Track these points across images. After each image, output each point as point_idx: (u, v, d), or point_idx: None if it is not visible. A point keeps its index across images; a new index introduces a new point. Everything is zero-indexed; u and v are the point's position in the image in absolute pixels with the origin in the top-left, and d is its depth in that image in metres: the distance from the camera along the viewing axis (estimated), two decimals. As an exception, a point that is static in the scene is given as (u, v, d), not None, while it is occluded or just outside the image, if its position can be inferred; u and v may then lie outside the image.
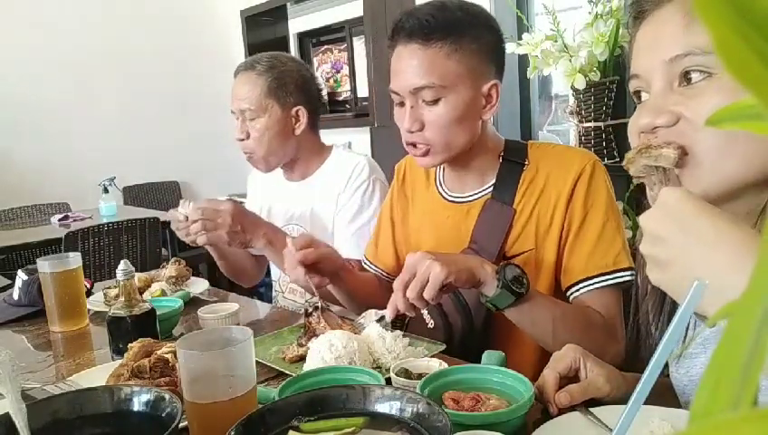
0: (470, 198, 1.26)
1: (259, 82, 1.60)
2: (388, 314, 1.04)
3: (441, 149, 1.17)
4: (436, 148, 1.17)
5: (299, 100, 1.63)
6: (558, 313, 1.06)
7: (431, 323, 1.05)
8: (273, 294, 1.79)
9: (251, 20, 4.68)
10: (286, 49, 4.61)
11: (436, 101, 1.14)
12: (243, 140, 1.62)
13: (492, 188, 1.23)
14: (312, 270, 1.22)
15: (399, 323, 1.21)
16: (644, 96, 0.73)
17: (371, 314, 1.14)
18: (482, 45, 1.15)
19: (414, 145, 1.19)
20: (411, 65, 1.14)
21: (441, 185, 1.32)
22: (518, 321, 1.06)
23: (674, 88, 0.68)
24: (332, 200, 1.63)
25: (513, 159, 1.23)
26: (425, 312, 1.03)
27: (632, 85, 0.75)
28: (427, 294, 0.98)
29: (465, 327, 1.18)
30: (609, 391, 0.84)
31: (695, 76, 0.66)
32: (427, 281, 0.98)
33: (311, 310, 1.16)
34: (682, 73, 0.67)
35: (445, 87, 1.13)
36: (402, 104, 1.18)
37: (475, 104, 1.16)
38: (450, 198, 1.29)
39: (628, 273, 1.13)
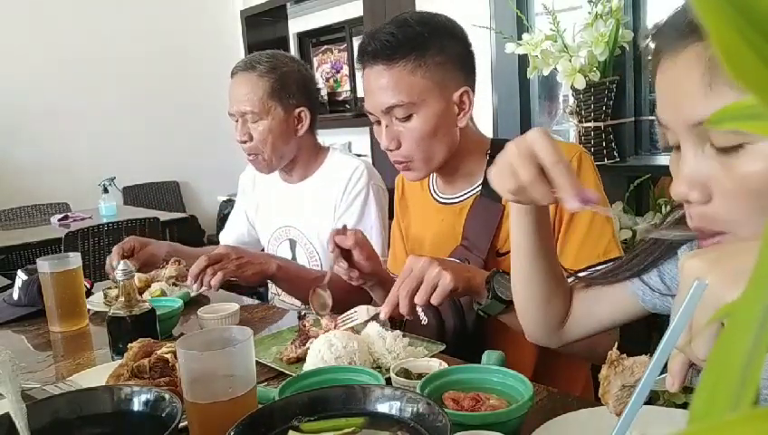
0: (460, 199, 1.28)
1: (260, 83, 1.57)
2: (384, 313, 1.06)
3: (422, 164, 1.21)
4: (416, 163, 1.21)
5: (301, 101, 1.62)
6: None
7: (425, 321, 1.07)
8: (270, 295, 1.79)
9: (251, 20, 4.68)
10: (286, 49, 4.61)
11: (408, 118, 1.17)
12: (245, 142, 1.62)
13: (480, 187, 1.25)
14: (346, 259, 1.23)
15: (399, 322, 1.22)
16: (671, 140, 0.67)
17: (363, 311, 1.14)
18: (447, 55, 1.17)
19: (397, 162, 1.23)
20: (379, 86, 1.17)
21: (434, 188, 1.35)
22: (508, 323, 1.08)
23: (705, 151, 0.62)
24: (329, 208, 1.62)
25: None
26: (419, 308, 1.04)
27: (661, 129, 0.68)
28: (435, 301, 1.01)
29: (458, 326, 1.19)
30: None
31: (723, 147, 0.60)
32: (435, 287, 1.00)
33: (304, 312, 1.17)
34: (710, 140, 0.61)
35: (414, 103, 1.16)
36: (379, 122, 1.21)
37: (447, 114, 1.18)
38: (442, 201, 1.32)
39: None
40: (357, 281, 1.26)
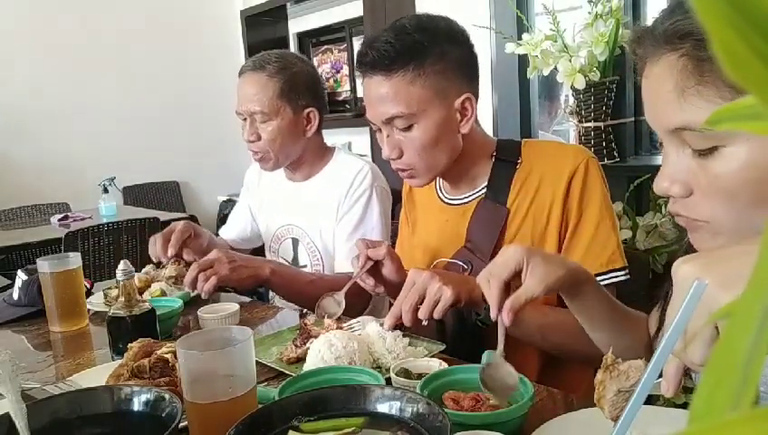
0: (466, 200, 1.28)
1: (270, 84, 1.56)
2: (387, 325, 1.06)
3: (424, 172, 1.20)
4: (419, 170, 1.20)
5: (310, 101, 1.61)
6: (545, 322, 1.09)
7: (425, 321, 1.07)
8: (270, 295, 1.79)
9: (251, 20, 4.68)
10: (286, 49, 4.61)
11: (409, 128, 1.16)
12: (252, 141, 1.61)
13: (485, 189, 1.24)
14: (372, 274, 1.21)
15: (399, 323, 1.22)
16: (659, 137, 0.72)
17: (366, 323, 1.15)
18: (448, 62, 1.15)
19: (400, 170, 1.22)
20: (378, 96, 1.15)
21: (440, 188, 1.34)
22: (508, 332, 1.08)
23: (685, 152, 0.66)
24: (333, 207, 1.62)
25: (506, 159, 1.24)
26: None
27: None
28: (437, 315, 1.01)
29: (457, 326, 1.19)
30: (542, 291, 0.86)
31: (699, 149, 0.64)
32: (437, 302, 1.01)
33: (305, 311, 1.17)
34: (687, 143, 0.66)
35: (414, 114, 1.14)
36: (380, 130, 1.20)
37: (449, 122, 1.17)
38: (448, 201, 1.31)
39: (622, 272, 1.14)
40: (382, 294, 1.25)
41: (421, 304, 1.02)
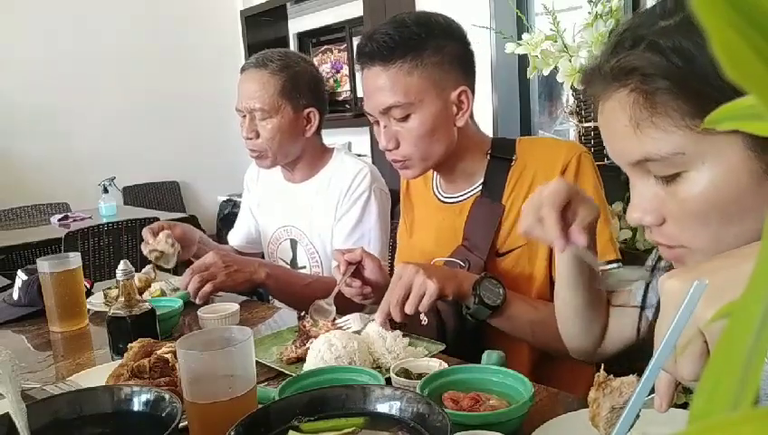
0: (461, 198, 1.29)
1: (272, 81, 1.56)
2: (378, 321, 1.07)
3: (419, 162, 1.22)
4: (413, 161, 1.22)
5: (311, 101, 1.61)
6: (536, 317, 1.12)
7: (425, 321, 1.08)
8: (271, 296, 1.78)
9: (251, 20, 4.68)
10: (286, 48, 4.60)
11: (405, 118, 1.18)
12: (251, 139, 1.60)
13: (481, 187, 1.25)
14: (357, 277, 1.24)
15: (399, 322, 1.23)
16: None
17: (357, 320, 1.15)
18: (445, 55, 1.17)
19: (395, 161, 1.24)
20: (376, 86, 1.18)
21: (437, 187, 1.35)
22: (498, 326, 1.12)
23: (650, 181, 0.68)
24: (331, 208, 1.62)
25: (501, 156, 1.25)
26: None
27: None
28: (423, 308, 1.05)
29: (458, 325, 1.20)
30: (596, 217, 0.90)
31: (664, 177, 0.66)
32: (423, 295, 1.04)
33: (303, 313, 1.18)
34: (651, 172, 0.67)
35: (411, 103, 1.16)
36: (378, 123, 1.22)
37: (445, 114, 1.19)
38: (444, 200, 1.32)
39: (615, 265, 1.14)
40: (368, 299, 1.26)
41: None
